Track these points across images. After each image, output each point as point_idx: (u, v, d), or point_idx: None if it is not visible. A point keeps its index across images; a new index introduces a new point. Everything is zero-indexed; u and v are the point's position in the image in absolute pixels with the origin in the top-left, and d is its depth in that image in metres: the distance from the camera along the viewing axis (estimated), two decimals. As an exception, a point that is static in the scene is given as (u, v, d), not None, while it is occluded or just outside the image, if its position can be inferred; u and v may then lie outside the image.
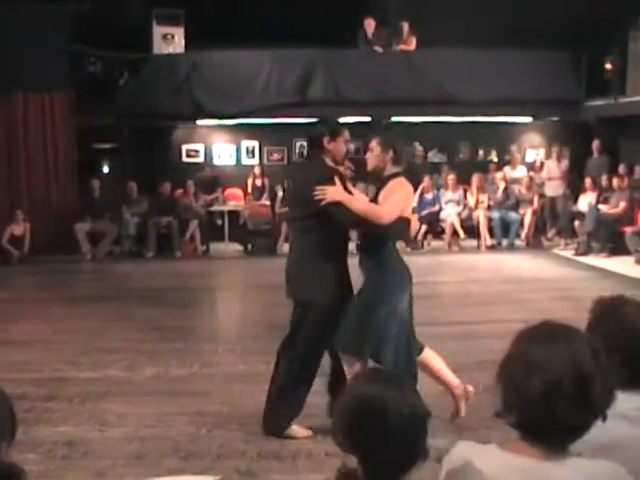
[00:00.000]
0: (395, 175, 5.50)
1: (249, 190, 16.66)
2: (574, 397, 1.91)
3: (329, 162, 5.59)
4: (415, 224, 5.76)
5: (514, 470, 2.00)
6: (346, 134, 5.71)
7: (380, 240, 5.38)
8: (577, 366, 1.93)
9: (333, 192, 5.25)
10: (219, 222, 16.20)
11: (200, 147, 17.69)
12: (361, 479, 1.98)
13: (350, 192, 5.49)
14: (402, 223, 5.39)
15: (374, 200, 5.46)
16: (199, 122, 17.06)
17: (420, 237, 15.88)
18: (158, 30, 16.32)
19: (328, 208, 5.22)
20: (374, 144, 5.61)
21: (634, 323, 2.44)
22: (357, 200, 5.43)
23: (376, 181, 5.72)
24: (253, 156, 17.80)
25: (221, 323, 10.29)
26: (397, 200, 5.33)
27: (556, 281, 12.11)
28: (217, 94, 15.74)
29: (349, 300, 5.44)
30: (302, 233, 5.66)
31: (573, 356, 1.94)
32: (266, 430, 5.57)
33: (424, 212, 15.89)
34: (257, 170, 16.77)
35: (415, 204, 15.96)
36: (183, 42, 16.44)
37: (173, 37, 16.37)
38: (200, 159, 17.60)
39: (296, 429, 5.56)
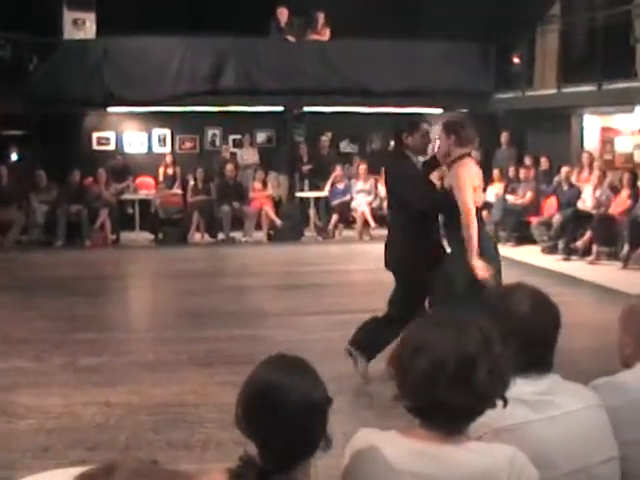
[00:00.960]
0: (461, 157, 5.83)
1: (160, 179, 16.49)
2: (457, 378, 1.97)
3: (409, 154, 6.29)
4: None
5: (414, 454, 2.05)
6: (423, 128, 6.28)
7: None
8: (462, 348, 1.99)
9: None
10: (130, 211, 16.00)
11: (111, 135, 17.45)
12: (260, 466, 2.00)
13: (431, 181, 6.23)
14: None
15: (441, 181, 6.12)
16: (110, 109, 16.79)
17: (331, 226, 15.98)
18: (69, 15, 15.99)
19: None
20: (440, 130, 6.01)
21: (523, 309, 2.51)
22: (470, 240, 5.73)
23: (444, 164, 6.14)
24: (165, 144, 17.63)
25: (131, 312, 10.18)
26: (465, 188, 5.71)
27: (463, 270, 12.30)
28: (128, 81, 15.53)
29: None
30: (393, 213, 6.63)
31: (459, 339, 2.00)
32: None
33: (335, 202, 16.00)
34: (168, 159, 16.63)
35: (327, 193, 16.09)
36: (94, 28, 16.13)
37: (84, 22, 16.06)
38: (111, 147, 17.36)
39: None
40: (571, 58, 15.10)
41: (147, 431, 5.47)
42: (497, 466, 2.02)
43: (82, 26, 16.05)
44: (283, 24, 16.38)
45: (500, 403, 2.08)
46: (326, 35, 16.60)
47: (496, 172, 15.76)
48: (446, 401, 1.98)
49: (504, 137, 16.57)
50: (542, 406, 2.42)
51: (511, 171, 15.59)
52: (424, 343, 2.03)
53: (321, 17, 16.55)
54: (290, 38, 16.25)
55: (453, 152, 5.86)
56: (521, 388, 2.35)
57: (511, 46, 16.72)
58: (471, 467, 2.01)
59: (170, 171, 16.50)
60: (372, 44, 16.03)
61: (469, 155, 5.91)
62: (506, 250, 14.16)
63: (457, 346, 1.99)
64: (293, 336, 7.98)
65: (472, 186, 5.79)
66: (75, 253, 14.24)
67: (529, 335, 2.46)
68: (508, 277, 10.75)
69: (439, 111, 17.79)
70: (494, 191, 15.51)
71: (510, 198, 15.12)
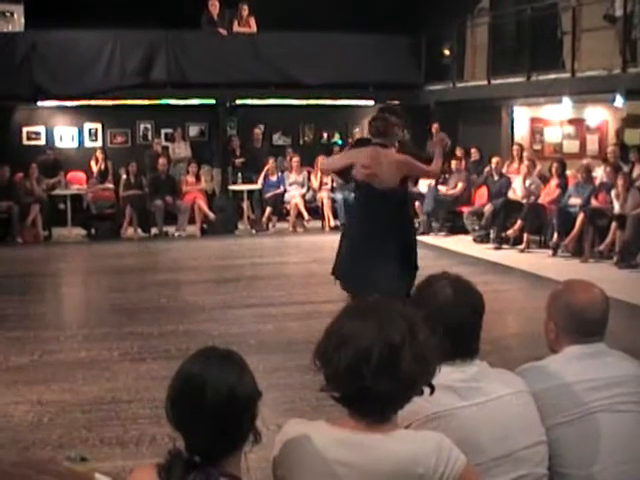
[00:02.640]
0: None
1: (94, 171, 16.28)
2: (382, 366, 1.98)
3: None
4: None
5: (342, 443, 2.06)
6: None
7: None
8: (386, 336, 2.00)
9: None
10: (61, 206, 15.73)
11: (41, 129, 17.15)
12: (186, 459, 1.99)
13: None
14: None
15: None
16: (40, 104, 16.51)
17: (265, 219, 15.96)
18: (-5, 7, 15.69)
19: None
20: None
21: (445, 296, 2.55)
22: None
23: None
24: (96, 139, 17.41)
25: (63, 310, 10.05)
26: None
27: (397, 260, 12.40)
28: (58, 75, 15.32)
29: None
30: None
31: (383, 327, 2.02)
32: None
33: (269, 194, 15.98)
34: (99, 153, 16.41)
35: (260, 186, 16.06)
36: (22, 20, 15.85)
37: (12, 15, 15.77)
38: (41, 142, 17.07)
39: None
40: (500, 50, 15.29)
41: (80, 428, 5.40)
42: (424, 453, 2.04)
43: (10, 19, 15.77)
44: (215, 16, 16.29)
45: (427, 390, 2.11)
46: (252, 27, 16.57)
47: (428, 163, 15.88)
48: (372, 389, 1.99)
49: (435, 128, 16.64)
50: (469, 393, 2.45)
51: (442, 162, 15.72)
52: (348, 333, 2.04)
53: (245, 9, 16.53)
54: (221, 31, 16.17)
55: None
56: (448, 375, 2.38)
57: (441, 38, 16.87)
58: (399, 455, 2.03)
59: (101, 166, 16.31)
60: (302, 36, 16.05)
61: (376, 144, 6.43)
62: (438, 240, 14.37)
63: (381, 335, 2.01)
64: (227, 330, 7.98)
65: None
66: (6, 250, 13.96)
67: (451, 322, 2.49)
68: (440, 267, 10.88)
69: (370, 103, 17.91)
70: (426, 182, 15.63)
71: (442, 189, 15.27)
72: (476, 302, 2.59)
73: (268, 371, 6.27)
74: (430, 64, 16.84)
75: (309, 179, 16.43)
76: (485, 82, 15.11)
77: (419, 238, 14.28)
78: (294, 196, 15.98)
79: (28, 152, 16.40)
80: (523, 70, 13.96)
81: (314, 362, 2.10)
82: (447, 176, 15.35)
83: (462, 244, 13.82)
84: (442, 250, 13.39)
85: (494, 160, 14.54)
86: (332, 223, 15.78)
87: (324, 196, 15.93)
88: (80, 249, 14.69)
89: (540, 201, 13.28)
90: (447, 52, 16.94)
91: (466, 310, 2.55)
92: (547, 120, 16.04)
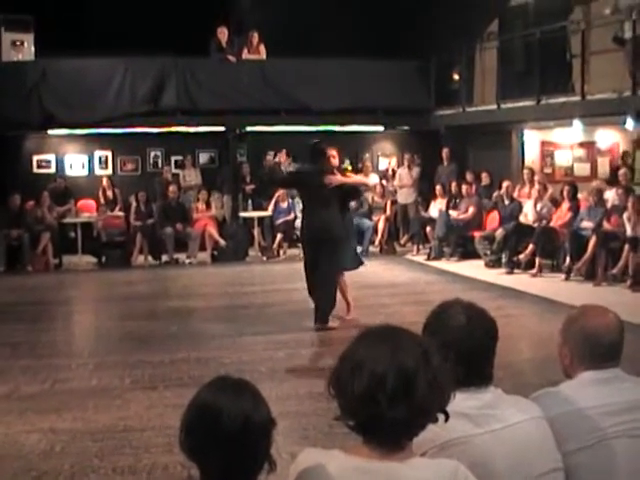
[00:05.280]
0: None
1: (101, 201, 16.34)
2: (397, 393, 1.98)
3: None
4: None
5: (358, 471, 2.05)
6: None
7: None
8: (400, 363, 2.01)
9: None
10: (72, 234, 15.82)
11: (51, 157, 17.26)
12: None
13: None
14: None
15: None
16: (50, 132, 16.63)
17: (276, 246, 15.98)
18: (7, 36, 15.80)
19: None
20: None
21: (458, 322, 2.55)
22: None
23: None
24: (106, 166, 17.49)
25: (74, 337, 10.05)
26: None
27: (409, 286, 12.43)
28: (68, 103, 15.40)
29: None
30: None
31: (397, 354, 2.02)
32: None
33: (279, 221, 16.00)
34: (105, 181, 16.49)
35: (270, 212, 16.09)
36: (33, 49, 15.97)
37: (22, 43, 15.87)
38: (52, 170, 17.16)
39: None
40: (510, 74, 15.32)
41: (92, 457, 5.39)
42: (440, 481, 2.04)
43: (20, 47, 15.87)
44: (224, 44, 16.40)
45: (442, 417, 2.11)
46: (262, 53, 16.66)
47: (438, 188, 15.92)
48: (387, 417, 1.99)
49: (445, 153, 16.74)
50: (484, 419, 2.45)
51: (453, 187, 15.74)
52: (362, 360, 2.04)
53: (255, 36, 16.63)
54: (230, 58, 16.27)
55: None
56: (462, 402, 2.38)
57: (450, 62, 16.94)
58: (414, 483, 2.03)
59: (109, 193, 16.37)
60: (311, 62, 16.15)
61: None
62: (450, 265, 14.36)
63: (395, 361, 2.01)
64: (239, 357, 7.97)
65: None
66: (17, 279, 14.02)
67: (465, 348, 2.49)
68: (452, 292, 10.91)
69: (380, 129, 17.98)
70: (437, 206, 15.68)
71: (453, 213, 15.28)
72: (489, 328, 2.59)
73: (280, 399, 6.26)
74: (440, 89, 16.91)
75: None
76: (495, 106, 15.16)
77: (431, 263, 14.46)
78: (303, 222, 15.97)
79: (38, 180, 16.50)
80: (533, 93, 14.00)
81: (328, 389, 2.10)
82: (458, 201, 15.36)
83: (474, 269, 13.79)
84: (454, 275, 13.37)
85: (505, 184, 14.54)
86: (343, 249, 15.74)
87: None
88: (91, 277, 14.75)
89: (552, 225, 13.26)
90: (456, 76, 17.01)
91: (479, 336, 2.55)
92: (557, 143, 16.06)
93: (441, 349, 2.16)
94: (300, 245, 10.48)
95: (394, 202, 16.91)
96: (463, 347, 2.48)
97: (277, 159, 10.17)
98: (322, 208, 9.13)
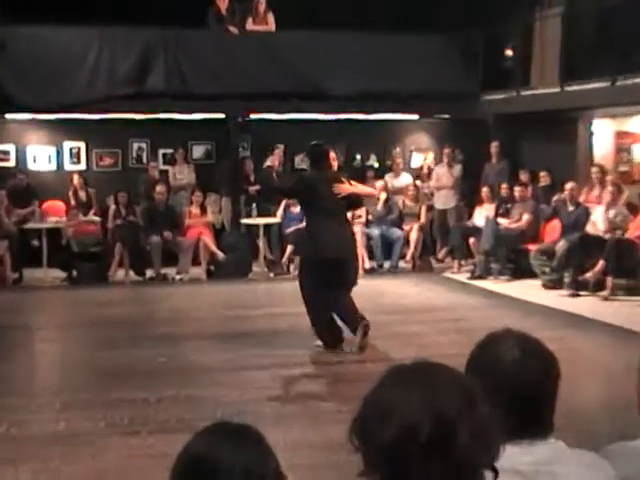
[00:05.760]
0: None
1: (72, 203, 16.38)
2: (434, 446, 1.97)
3: None
4: None
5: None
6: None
7: None
8: (438, 409, 1.99)
9: None
10: (35, 243, 15.88)
11: (10, 148, 17.33)
12: None
13: None
14: None
15: None
16: (8, 116, 16.71)
17: (285, 260, 15.98)
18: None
19: None
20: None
21: (509, 359, 2.52)
22: None
23: None
24: (78, 160, 17.56)
25: (35, 371, 10.07)
26: None
27: (448, 310, 12.39)
28: (32, 81, 15.43)
29: None
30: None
31: (434, 397, 2.00)
32: None
33: (290, 229, 15.99)
34: (76, 180, 16.53)
35: (279, 219, 16.10)
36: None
37: (-28, 7, 15.96)
38: (11, 163, 17.25)
39: None
40: (577, 48, 15.19)
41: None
42: None
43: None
44: (223, 12, 16.42)
45: (489, 475, 2.09)
46: (270, 24, 16.67)
47: (485, 191, 15.89)
48: (421, 473, 1.98)
49: (494, 148, 16.69)
50: (540, 478, 2.44)
51: (503, 189, 15.70)
52: (391, 405, 2.03)
53: (262, 2, 16.61)
54: (232, 29, 16.29)
55: None
56: (514, 457, 2.36)
57: (502, 36, 16.88)
58: None
59: (81, 194, 16.41)
60: (330, 37, 16.15)
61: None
62: (499, 285, 14.33)
63: (432, 406, 2.00)
64: (239, 396, 7.97)
65: None
66: (-34, 297, 14.07)
67: (519, 390, 2.47)
68: (501, 319, 10.88)
69: (414, 117, 17.96)
70: (483, 213, 15.63)
71: (503, 222, 15.24)
72: (549, 365, 2.57)
73: (290, 448, 6.23)
74: (488, 68, 16.85)
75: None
76: (557, 89, 15.08)
77: (475, 283, 14.42)
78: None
79: (-6, 176, 16.58)
80: (606, 73, 13.90)
81: (350, 439, 2.09)
82: (509, 206, 15.33)
83: (528, 290, 13.76)
84: (503, 298, 13.34)
85: (568, 186, 14.47)
86: (367, 264, 15.77)
87: (357, 231, 15.92)
88: (58, 295, 14.78)
89: (628, 236, 13.22)
90: (509, 53, 16.95)
91: (536, 375, 2.53)
92: (637, 135, 15.96)
93: (489, 391, 2.14)
94: (304, 263, 10.76)
95: (430, 207, 16.90)
96: (516, 389, 2.47)
97: (270, 162, 10.17)
98: (334, 221, 9.73)
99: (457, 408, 2.01)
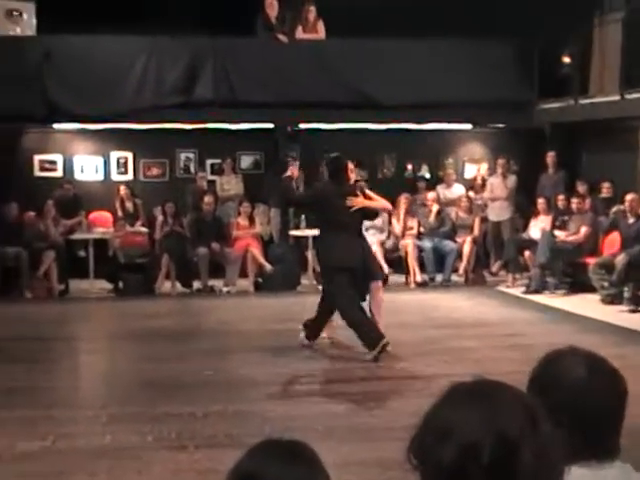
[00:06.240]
0: None
1: (119, 214, 16.48)
2: (495, 467, 1.94)
3: None
4: None
5: None
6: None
7: None
8: (499, 428, 1.96)
9: None
10: (82, 254, 15.99)
11: (58, 158, 17.47)
12: None
13: None
14: None
15: None
16: (56, 126, 16.85)
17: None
18: (1, 4, 16.00)
19: None
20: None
21: (575, 377, 2.48)
22: None
23: None
24: (125, 171, 17.66)
25: (82, 383, 10.13)
26: None
27: (502, 325, 12.31)
28: (79, 91, 15.57)
29: None
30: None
31: (496, 417, 1.97)
32: None
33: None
34: (123, 190, 16.64)
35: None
36: (34, 22, 16.19)
37: (21, 14, 16.09)
38: (58, 173, 17.38)
39: None
40: (639, 55, 15.01)
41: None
42: None
43: (18, 19, 16.06)
44: (273, 20, 16.45)
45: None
46: (320, 32, 16.68)
47: (541, 202, 15.77)
48: None
49: (550, 158, 16.56)
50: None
51: (560, 200, 15.59)
52: (451, 424, 2.00)
53: (311, 10, 16.63)
54: (281, 37, 16.32)
55: None
56: (583, 479, 2.32)
57: (560, 42, 16.70)
58: None
59: (128, 205, 16.50)
60: (381, 44, 16.17)
61: None
62: (555, 300, 14.20)
63: (493, 425, 1.96)
64: (287, 411, 7.94)
65: None
66: (12, 307, 14.18)
67: (585, 410, 2.43)
68: (558, 334, 10.79)
69: (467, 127, 17.88)
70: (539, 225, 15.52)
71: (559, 234, 15.13)
72: (616, 384, 2.52)
73: (340, 465, 6.19)
74: (544, 75, 16.70)
75: (390, 222, 16.41)
76: (617, 97, 14.96)
77: (530, 297, 14.31)
78: (371, 244, 15.94)
79: (41, 186, 16.73)
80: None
81: (408, 457, 2.07)
82: (566, 218, 15.20)
83: (586, 305, 13.63)
84: (559, 313, 13.22)
85: (629, 197, 14.32)
86: (418, 278, 15.74)
87: (409, 244, 15.90)
88: (104, 307, 14.87)
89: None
90: (567, 60, 16.80)
91: (603, 395, 2.48)
92: None
93: (552, 411, 2.11)
94: (323, 273, 11.23)
95: (484, 219, 16.80)
96: (581, 409, 2.42)
97: (289, 172, 10.29)
98: (346, 233, 10.29)
99: (519, 427, 1.98)
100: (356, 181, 11.17)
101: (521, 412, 2.01)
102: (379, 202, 11.20)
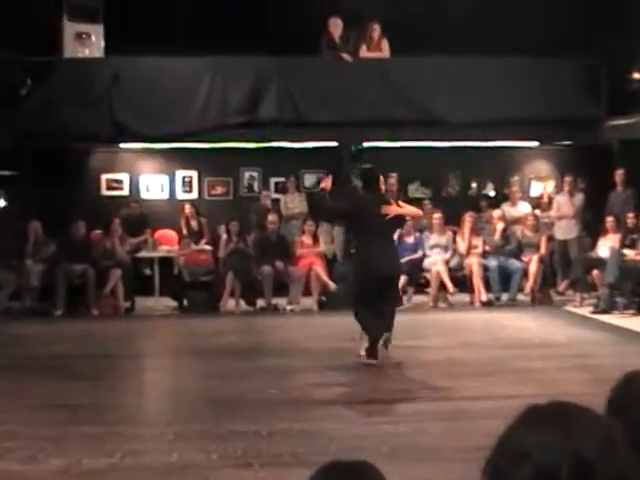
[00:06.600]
0: None
1: (184, 232, 16.57)
2: None
3: None
4: None
5: None
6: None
7: None
8: (576, 451, 1.92)
9: None
10: (147, 272, 16.10)
11: (124, 177, 17.65)
12: None
13: None
14: None
15: None
16: (122, 146, 17.02)
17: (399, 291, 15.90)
18: (70, 27, 16.22)
19: None
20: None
21: None
22: None
23: None
24: (190, 189, 17.78)
25: (148, 400, 10.16)
26: None
27: (570, 346, 12.15)
28: (145, 111, 15.75)
29: None
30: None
31: (572, 439, 1.93)
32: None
33: (403, 260, 15.90)
34: (188, 209, 16.72)
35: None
36: (102, 44, 16.40)
37: (89, 36, 16.28)
38: (124, 192, 17.54)
39: None
40: None
41: None
42: None
43: (87, 41, 16.25)
44: (337, 39, 16.49)
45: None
46: (384, 50, 16.68)
47: (610, 220, 15.62)
48: None
49: (619, 176, 16.37)
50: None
51: (629, 219, 15.41)
52: (527, 447, 1.96)
53: (376, 28, 16.64)
54: (345, 56, 16.35)
55: None
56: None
57: (628, 59, 16.54)
58: None
59: (193, 223, 16.59)
60: (446, 62, 16.19)
61: None
62: (625, 320, 14.02)
63: (569, 449, 1.92)
64: (352, 431, 7.88)
65: None
66: (79, 324, 14.32)
67: None
68: (628, 356, 10.61)
69: (534, 144, 17.75)
70: (607, 244, 15.36)
71: (629, 253, 14.96)
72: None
73: None
74: (613, 92, 16.55)
75: (454, 241, 16.32)
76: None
77: (599, 317, 14.14)
78: (435, 262, 15.89)
79: (107, 205, 16.92)
80: None
81: None
82: (636, 237, 15.02)
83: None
84: (629, 333, 13.03)
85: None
86: (484, 297, 15.63)
87: (474, 262, 15.80)
88: (169, 324, 14.97)
89: None
90: (637, 76, 16.62)
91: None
92: None
93: (632, 431, 2.07)
94: (360, 281, 11.19)
95: (550, 238, 16.64)
96: None
97: (323, 184, 10.49)
98: (383, 240, 10.74)
99: (596, 449, 1.94)
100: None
101: (598, 433, 1.97)
102: (411, 209, 11.66)
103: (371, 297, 10.59)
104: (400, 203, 11.30)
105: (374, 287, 10.52)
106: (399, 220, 11.30)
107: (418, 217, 13.45)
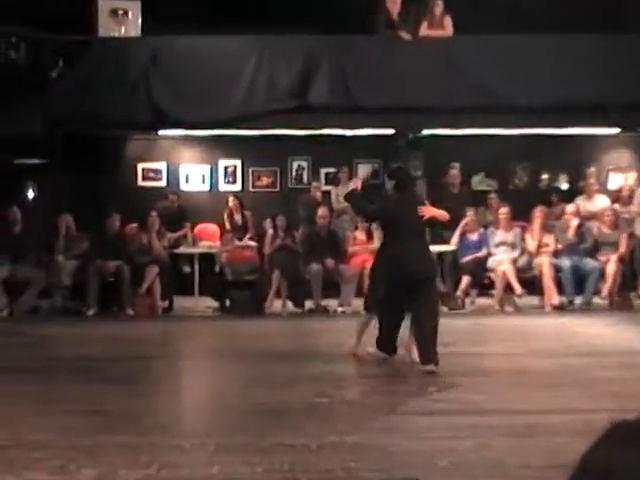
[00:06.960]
0: None
1: (227, 227, 16.60)
2: None
3: None
4: None
5: None
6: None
7: None
8: None
9: None
10: (187, 269, 16.17)
11: (162, 166, 17.76)
12: None
13: None
14: None
15: None
16: (161, 133, 17.10)
17: (460, 292, 15.84)
18: (105, 3, 16.29)
19: None
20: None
21: None
22: None
23: None
24: (234, 180, 17.83)
25: (186, 408, 10.19)
26: None
27: (652, 355, 12.07)
28: (185, 95, 15.80)
29: None
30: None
31: None
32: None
33: (467, 258, 15.87)
34: (232, 201, 16.76)
35: (454, 247, 15.98)
36: (140, 22, 16.46)
37: (126, 14, 16.33)
38: (162, 183, 17.64)
39: None
40: None
41: None
42: None
43: (124, 19, 16.30)
44: (394, 16, 16.43)
45: None
46: (447, 29, 16.58)
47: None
48: None
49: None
50: None
51: None
52: (613, 464, 1.95)
53: (438, 4, 16.55)
54: (404, 35, 16.28)
55: None
56: None
57: None
58: None
59: (237, 217, 16.62)
60: (514, 41, 16.07)
61: None
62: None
63: None
64: (409, 445, 7.85)
65: None
66: (113, 325, 14.42)
67: None
68: None
69: (613, 131, 17.59)
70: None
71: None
72: None
73: None
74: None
75: (523, 238, 16.23)
76: None
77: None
78: (501, 261, 15.82)
79: (144, 196, 17.03)
80: None
81: None
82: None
83: None
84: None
85: None
86: (555, 300, 15.53)
87: (544, 262, 15.71)
88: (209, 326, 15.01)
89: None
90: None
91: None
92: None
93: None
94: (390, 282, 11.28)
95: (631, 235, 16.51)
96: None
97: (353, 184, 10.66)
98: (419, 240, 11.17)
99: None
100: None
101: None
102: (440, 212, 11.65)
103: (399, 298, 10.90)
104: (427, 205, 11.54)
105: (405, 290, 10.80)
106: (431, 222, 11.40)
107: (445, 220, 13.38)
